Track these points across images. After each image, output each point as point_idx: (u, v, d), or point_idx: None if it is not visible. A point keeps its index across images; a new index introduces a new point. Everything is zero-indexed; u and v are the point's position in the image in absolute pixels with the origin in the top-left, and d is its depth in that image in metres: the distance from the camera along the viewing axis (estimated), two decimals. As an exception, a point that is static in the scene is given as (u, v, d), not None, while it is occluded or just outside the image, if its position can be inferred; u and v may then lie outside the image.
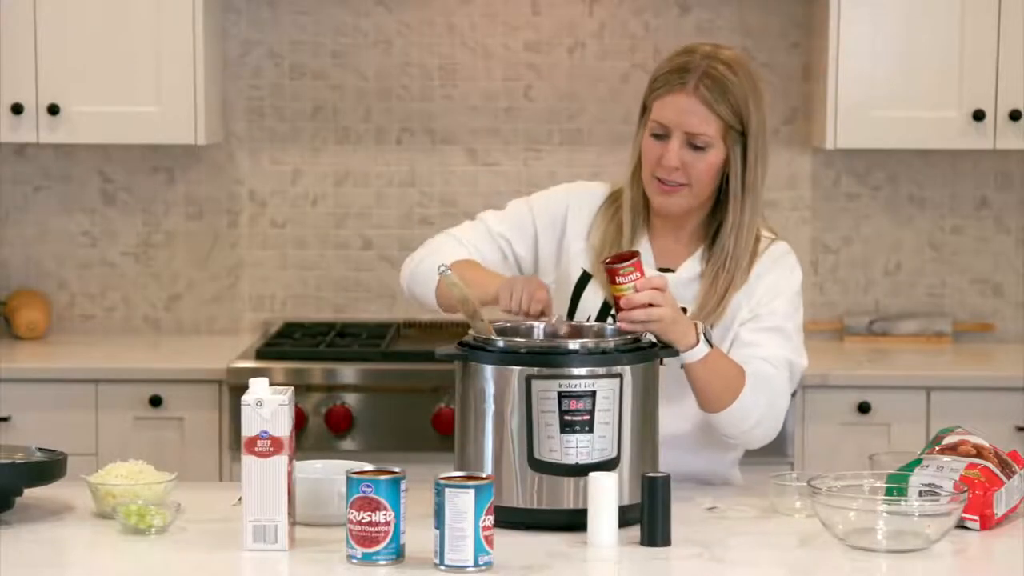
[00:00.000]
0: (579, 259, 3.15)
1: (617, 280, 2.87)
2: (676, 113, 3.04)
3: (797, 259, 3.18)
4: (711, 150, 3.04)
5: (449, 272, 2.88)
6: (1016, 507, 2.85)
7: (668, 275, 3.04)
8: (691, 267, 3.12)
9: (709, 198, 3.11)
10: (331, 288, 4.98)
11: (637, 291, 2.86)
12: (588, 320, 3.10)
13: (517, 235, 3.22)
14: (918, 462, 2.82)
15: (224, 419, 4.37)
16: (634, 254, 2.90)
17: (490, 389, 2.76)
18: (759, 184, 3.09)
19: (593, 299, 3.10)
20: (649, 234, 3.15)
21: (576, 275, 3.14)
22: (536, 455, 2.73)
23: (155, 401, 4.39)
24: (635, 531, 2.69)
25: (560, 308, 3.12)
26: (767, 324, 3.08)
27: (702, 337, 2.92)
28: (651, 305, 2.85)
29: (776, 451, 4.28)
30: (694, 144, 3.04)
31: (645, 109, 3.12)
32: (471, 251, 3.18)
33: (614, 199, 3.19)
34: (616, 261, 2.89)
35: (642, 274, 2.88)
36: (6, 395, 4.37)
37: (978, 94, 4.56)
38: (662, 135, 3.06)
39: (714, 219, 3.13)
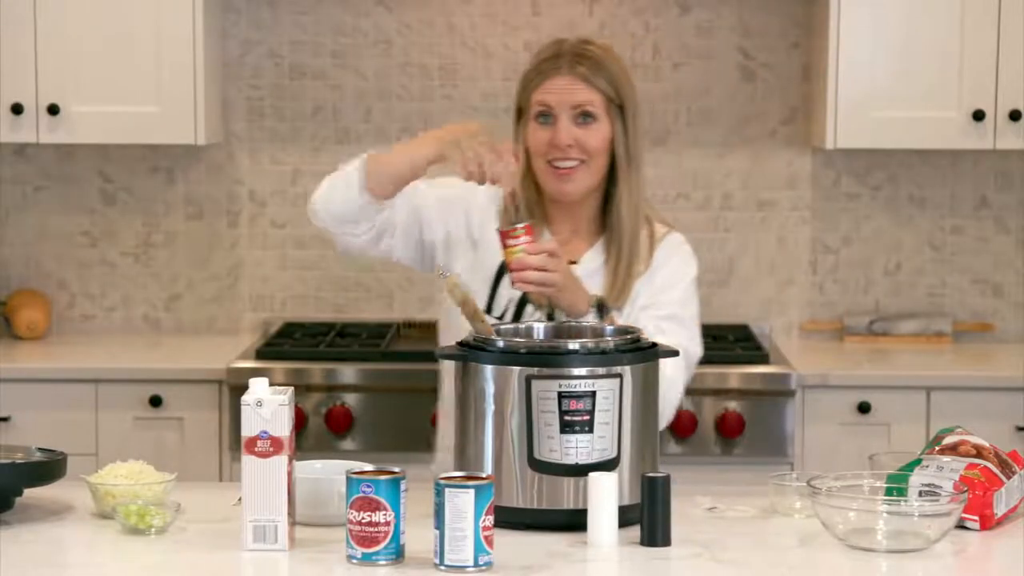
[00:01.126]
0: (496, 248, 3.15)
1: (508, 243, 2.95)
2: (558, 92, 3.14)
3: (692, 249, 3.27)
4: (598, 123, 3.14)
5: (451, 273, 2.90)
6: (1016, 507, 2.85)
7: (573, 267, 3.10)
8: (593, 258, 3.19)
9: (601, 182, 3.18)
10: (331, 288, 4.98)
11: (529, 254, 2.92)
12: (505, 310, 3.16)
13: (441, 191, 3.23)
14: (918, 462, 2.82)
15: (224, 419, 4.37)
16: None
17: (490, 389, 2.76)
18: (641, 158, 3.18)
19: (511, 289, 3.12)
20: (549, 232, 3.21)
21: (495, 265, 3.16)
22: (536, 455, 2.73)
23: (155, 401, 4.39)
24: (635, 531, 2.69)
25: (478, 296, 3.14)
26: (664, 312, 3.16)
27: (593, 309, 2.99)
28: (544, 270, 2.92)
29: (776, 451, 4.30)
30: (584, 114, 3.12)
31: (520, 112, 3.20)
32: None
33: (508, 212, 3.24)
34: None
35: (533, 239, 2.95)
36: (6, 395, 4.37)
37: (978, 94, 4.55)
38: (548, 116, 3.13)
39: (608, 208, 3.20)
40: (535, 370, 2.73)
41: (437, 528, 2.52)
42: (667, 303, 3.17)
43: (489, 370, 2.77)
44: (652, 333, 3.06)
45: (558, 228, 3.21)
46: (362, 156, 3.14)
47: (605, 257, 3.18)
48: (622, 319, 3.11)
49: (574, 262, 3.16)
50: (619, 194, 3.17)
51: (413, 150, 3.10)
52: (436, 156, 3.05)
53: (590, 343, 2.79)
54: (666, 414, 3.10)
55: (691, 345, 3.17)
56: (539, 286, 2.95)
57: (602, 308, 3.02)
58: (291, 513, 2.64)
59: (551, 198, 3.19)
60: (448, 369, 3.07)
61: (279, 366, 4.36)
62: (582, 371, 2.73)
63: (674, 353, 2.88)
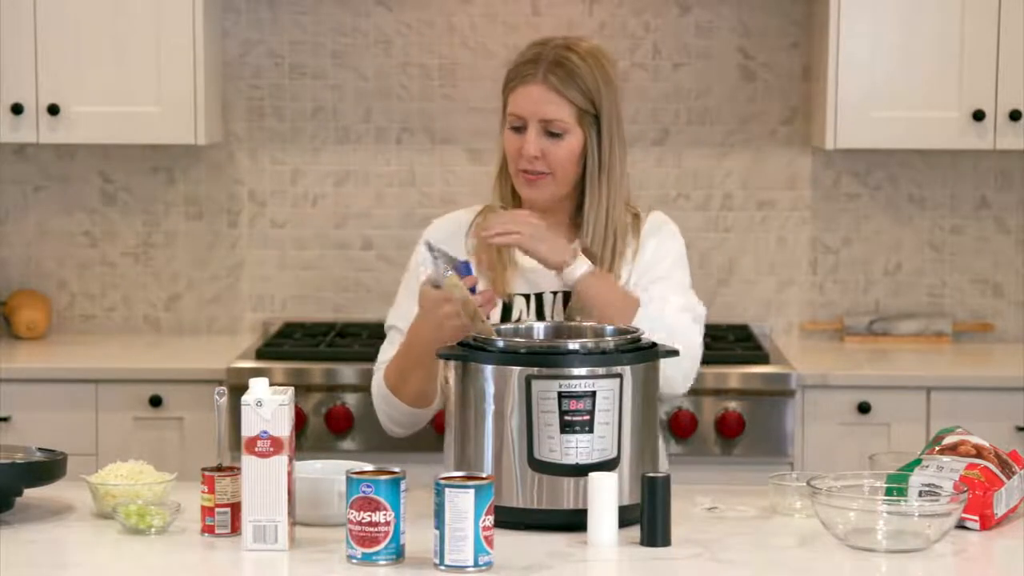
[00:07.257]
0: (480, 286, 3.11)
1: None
2: (529, 103, 3.14)
3: (675, 227, 3.27)
4: (568, 136, 3.14)
5: (450, 273, 2.90)
6: (1016, 507, 2.85)
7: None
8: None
9: (576, 186, 3.19)
10: (331, 288, 4.98)
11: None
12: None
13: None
14: (918, 462, 2.82)
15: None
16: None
17: (490, 389, 2.76)
18: (617, 163, 3.17)
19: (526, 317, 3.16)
20: None
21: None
22: (536, 455, 2.73)
23: (155, 401, 4.39)
24: (635, 531, 2.69)
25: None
26: (655, 276, 3.16)
27: (579, 254, 3.03)
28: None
29: (776, 451, 4.30)
30: (551, 131, 3.13)
31: (505, 106, 3.20)
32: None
33: (485, 214, 3.26)
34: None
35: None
36: (6, 395, 4.37)
37: (978, 94, 4.56)
38: (520, 127, 3.15)
39: (582, 211, 3.21)
40: (535, 370, 2.73)
41: (437, 528, 2.52)
42: (656, 274, 3.18)
43: (489, 370, 2.77)
44: (646, 302, 3.09)
45: None
46: (383, 390, 3.20)
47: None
48: None
49: None
50: (589, 202, 3.17)
51: (428, 342, 3.02)
52: (455, 331, 2.93)
53: (590, 343, 2.79)
54: (690, 375, 3.12)
55: (690, 300, 3.17)
56: (503, 237, 3.03)
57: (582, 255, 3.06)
58: (291, 513, 2.64)
59: (524, 204, 3.21)
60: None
61: (279, 366, 4.36)
62: (582, 371, 2.73)
63: (674, 353, 2.88)
